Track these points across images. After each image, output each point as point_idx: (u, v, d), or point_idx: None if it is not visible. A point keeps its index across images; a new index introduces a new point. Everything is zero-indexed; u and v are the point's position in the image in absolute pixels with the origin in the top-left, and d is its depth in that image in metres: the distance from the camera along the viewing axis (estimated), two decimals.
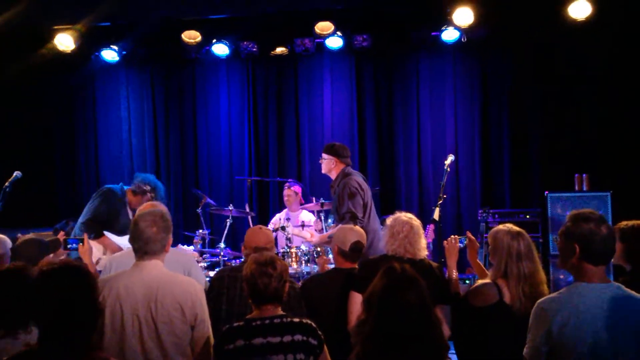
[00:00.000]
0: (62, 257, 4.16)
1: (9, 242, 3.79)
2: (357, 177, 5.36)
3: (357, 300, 3.71)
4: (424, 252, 3.89)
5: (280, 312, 3.04)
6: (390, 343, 2.37)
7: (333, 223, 5.57)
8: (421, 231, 3.91)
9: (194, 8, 7.29)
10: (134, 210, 5.84)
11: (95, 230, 5.49)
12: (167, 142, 8.63)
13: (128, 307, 2.96)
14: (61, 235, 4.36)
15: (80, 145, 8.66)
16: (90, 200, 5.71)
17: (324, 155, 5.53)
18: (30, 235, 4.08)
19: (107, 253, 5.53)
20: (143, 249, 3.06)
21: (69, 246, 4.27)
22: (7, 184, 5.40)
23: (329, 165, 5.49)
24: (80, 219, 5.64)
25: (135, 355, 2.94)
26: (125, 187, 5.83)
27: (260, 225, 4.39)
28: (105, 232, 5.54)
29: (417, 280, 2.46)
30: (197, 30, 7.61)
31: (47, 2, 6.97)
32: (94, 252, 5.29)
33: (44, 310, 2.11)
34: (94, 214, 5.58)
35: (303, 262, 5.89)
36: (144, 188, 5.75)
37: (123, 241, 5.63)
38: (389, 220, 3.93)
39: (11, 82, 7.60)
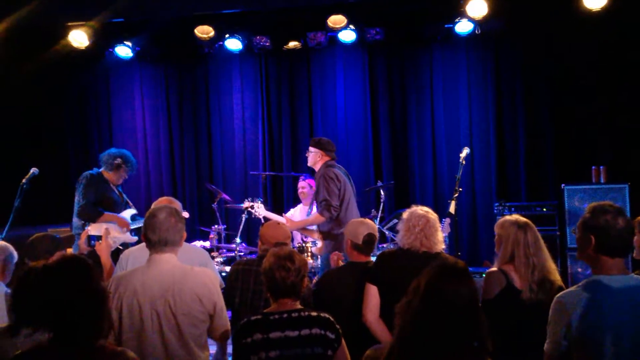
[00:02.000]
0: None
1: (9, 248, 3.79)
2: (337, 170, 5.59)
3: (372, 292, 3.72)
4: (440, 246, 3.87)
5: (298, 306, 3.05)
6: (433, 334, 2.23)
7: (315, 211, 5.68)
8: (438, 225, 3.89)
9: (207, 3, 7.29)
10: (118, 188, 6.02)
11: (94, 211, 5.63)
12: (181, 137, 8.66)
13: (146, 302, 2.98)
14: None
15: (94, 141, 8.70)
16: (76, 191, 5.79)
17: (310, 149, 5.76)
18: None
19: (115, 229, 5.65)
20: (164, 239, 3.08)
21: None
22: (24, 180, 5.44)
23: (314, 158, 5.74)
24: (75, 209, 5.74)
25: (155, 349, 2.97)
26: (99, 170, 5.93)
27: (277, 221, 4.41)
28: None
29: (470, 274, 2.35)
30: (209, 25, 7.61)
31: None
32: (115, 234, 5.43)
33: (47, 303, 2.13)
34: (85, 198, 5.67)
35: (319, 257, 5.90)
36: (116, 162, 5.89)
37: (124, 215, 5.87)
38: (405, 213, 3.91)
39: (25, 79, 7.65)
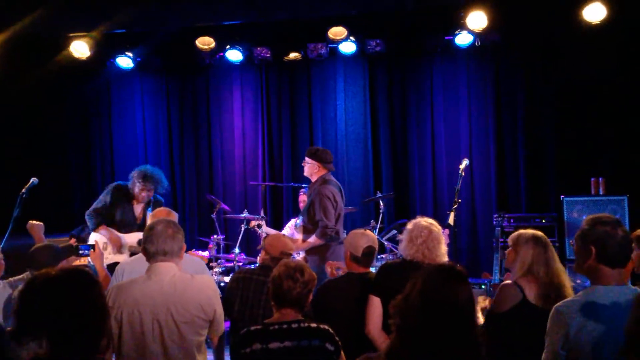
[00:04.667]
0: (75, 264, 4.20)
1: None
2: (334, 187, 5.42)
3: (375, 303, 3.68)
4: (444, 258, 3.82)
5: (299, 317, 3.05)
6: (431, 332, 2.24)
7: (302, 223, 5.59)
8: (441, 237, 3.83)
9: (208, 14, 7.32)
10: (140, 205, 6.01)
11: (92, 220, 5.69)
12: (181, 148, 8.67)
13: (147, 312, 2.98)
14: (72, 242, 4.40)
15: (95, 151, 8.74)
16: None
17: (307, 159, 5.56)
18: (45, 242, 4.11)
19: (109, 246, 5.66)
20: (162, 250, 3.08)
21: (80, 252, 4.32)
22: (23, 190, 5.44)
23: (311, 170, 5.55)
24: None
25: (157, 359, 2.97)
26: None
27: (282, 233, 4.47)
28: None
29: (466, 276, 2.35)
30: (210, 36, 7.65)
31: (63, 10, 7.04)
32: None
33: (49, 313, 2.12)
34: (95, 205, 5.79)
35: None
36: (132, 178, 5.91)
37: (130, 235, 5.81)
38: (409, 225, 3.88)
39: (27, 88, 7.67)
